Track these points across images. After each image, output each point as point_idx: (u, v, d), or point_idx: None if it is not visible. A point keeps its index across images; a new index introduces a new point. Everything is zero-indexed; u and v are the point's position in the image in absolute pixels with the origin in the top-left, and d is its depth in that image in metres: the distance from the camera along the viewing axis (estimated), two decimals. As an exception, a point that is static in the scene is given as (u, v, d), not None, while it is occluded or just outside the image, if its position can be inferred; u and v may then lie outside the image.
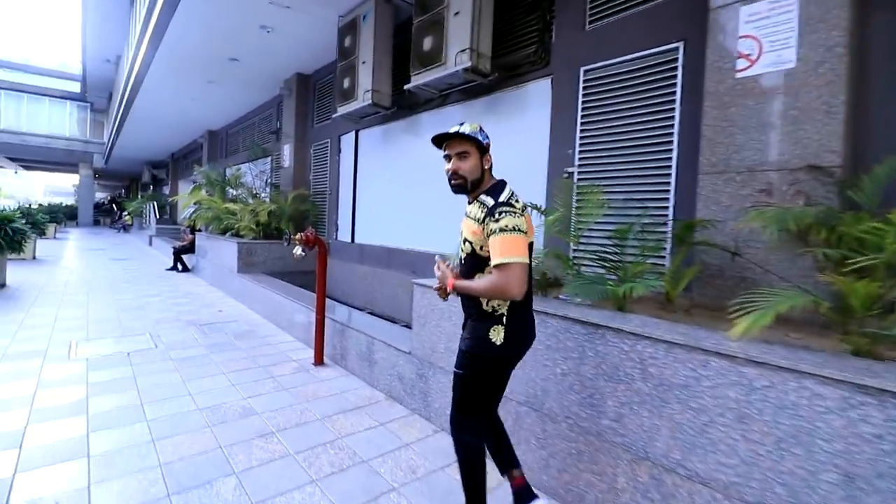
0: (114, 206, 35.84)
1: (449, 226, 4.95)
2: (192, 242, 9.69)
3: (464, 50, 3.88)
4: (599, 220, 2.79)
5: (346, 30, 5.55)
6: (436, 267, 1.79)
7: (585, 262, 3.02)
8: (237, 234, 7.61)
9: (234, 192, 8.85)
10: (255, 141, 10.65)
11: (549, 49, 3.92)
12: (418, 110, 5.44)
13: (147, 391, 3.16)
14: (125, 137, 17.62)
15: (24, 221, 7.21)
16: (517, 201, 1.68)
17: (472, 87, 4.49)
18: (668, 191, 3.14)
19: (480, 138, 1.72)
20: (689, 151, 2.99)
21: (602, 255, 2.59)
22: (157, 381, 3.36)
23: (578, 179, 3.63)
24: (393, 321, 4.67)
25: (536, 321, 1.89)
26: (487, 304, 1.70)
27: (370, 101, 5.16)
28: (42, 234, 10.80)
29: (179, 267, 9.53)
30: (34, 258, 10.43)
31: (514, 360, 1.77)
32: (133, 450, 2.40)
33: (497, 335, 1.68)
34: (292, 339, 4.58)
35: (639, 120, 3.29)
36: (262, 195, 8.78)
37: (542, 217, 2.92)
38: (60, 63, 26.22)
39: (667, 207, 3.14)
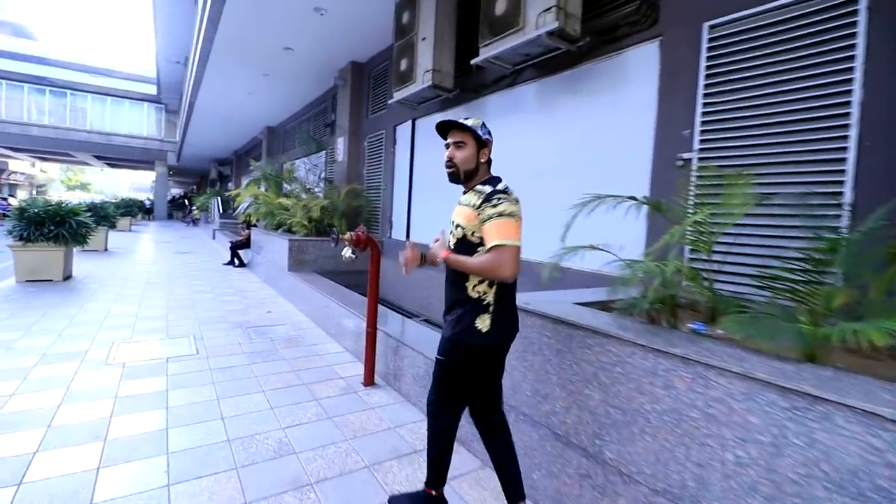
0: (185, 201, 38.14)
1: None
2: (249, 238, 9.63)
3: (548, 9, 3.16)
4: (744, 223, 2.01)
5: (404, 4, 5.00)
6: (408, 244, 1.92)
7: (722, 279, 2.24)
8: (289, 230, 7.34)
9: (289, 187, 8.64)
10: (309, 134, 10.46)
11: (657, 4, 3.12)
12: (484, 92, 4.78)
13: (176, 411, 2.75)
14: (192, 135, 18.37)
15: (89, 215, 7.31)
16: (511, 193, 1.71)
17: (552, 59, 3.77)
18: (841, 181, 2.28)
19: (480, 132, 1.77)
20: (878, 126, 2.13)
21: (768, 274, 1.81)
22: (189, 397, 2.95)
23: (698, 167, 2.82)
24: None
25: (691, 373, 1.40)
26: (474, 290, 1.70)
27: (430, 83, 4.56)
28: (113, 226, 11.24)
29: (236, 262, 9.50)
30: (106, 250, 10.87)
31: (501, 349, 1.80)
32: (142, 500, 1.94)
33: (483, 323, 1.68)
34: (341, 350, 4.09)
35: (791, 88, 2.44)
36: (316, 190, 8.50)
37: (641, 215, 2.17)
38: (140, 68, 28.04)
39: (839, 205, 2.28)
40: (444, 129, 1.82)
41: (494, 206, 1.61)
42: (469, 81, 4.88)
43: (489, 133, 1.82)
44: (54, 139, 25.47)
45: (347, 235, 3.04)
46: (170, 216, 32.61)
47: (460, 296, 1.73)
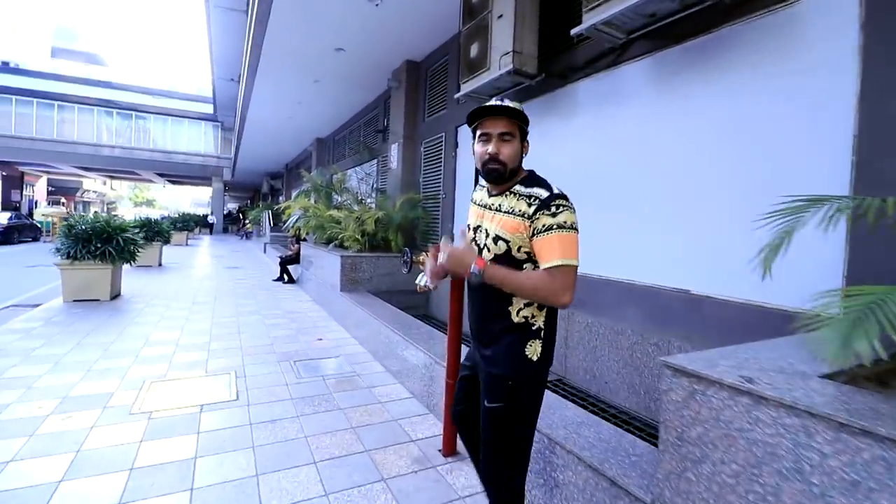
0: (240, 215, 39.50)
1: (616, 238, 3.31)
2: (298, 252, 9.20)
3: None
4: None
5: (475, -21, 4.25)
6: (436, 251, 1.61)
7: None
8: (341, 245, 6.73)
9: (339, 199, 8.11)
10: (360, 141, 9.97)
11: (864, -79, 2.16)
12: (574, 77, 3.92)
13: (202, 496, 2.04)
14: (245, 150, 18.63)
15: (137, 231, 7.05)
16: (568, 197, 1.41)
17: (678, 23, 2.87)
18: None
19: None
20: None
21: None
22: (221, 471, 2.24)
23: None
24: (552, 381, 3.18)
25: None
26: (519, 315, 1.43)
27: (510, 68, 3.76)
28: (167, 242, 11.22)
29: (285, 278, 9.07)
30: (160, 265, 10.83)
31: (546, 381, 1.52)
32: None
33: (533, 351, 1.43)
34: (406, 395, 3.31)
35: None
36: (368, 201, 7.90)
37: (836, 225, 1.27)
38: (197, 88, 29.32)
39: None
40: (480, 116, 1.47)
41: (554, 215, 1.35)
42: (555, 65, 4.04)
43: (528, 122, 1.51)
44: (121, 158, 26.98)
45: (422, 257, 2.25)
46: (225, 230, 33.72)
47: (501, 323, 1.45)
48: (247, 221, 28.27)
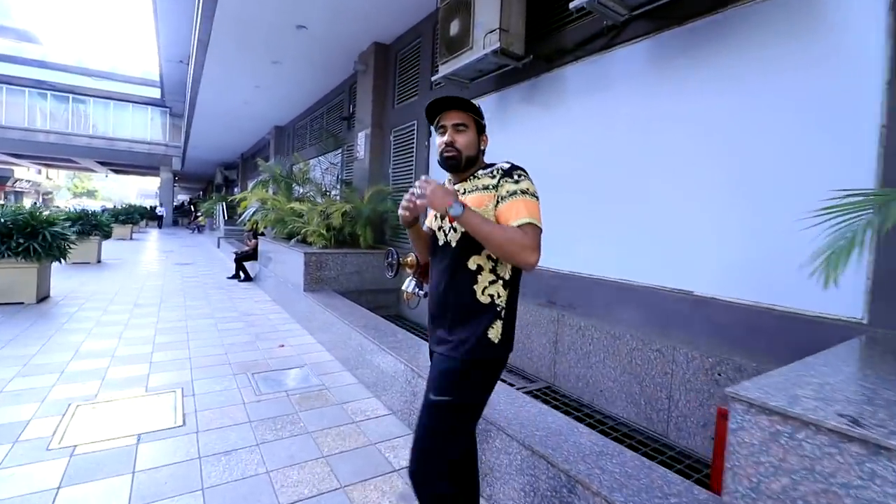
0: (192, 207, 37.38)
1: (608, 235, 3.07)
2: (256, 248, 8.55)
3: None
4: None
5: (455, -51, 3.87)
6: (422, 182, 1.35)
7: None
8: (304, 241, 6.23)
9: (301, 190, 7.55)
10: (324, 129, 9.39)
11: None
12: (562, 61, 3.63)
13: (134, 565, 1.61)
14: (195, 138, 17.42)
15: (68, 224, 6.24)
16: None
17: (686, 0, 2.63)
18: None
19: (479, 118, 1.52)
20: None
21: None
22: (160, 525, 1.81)
23: None
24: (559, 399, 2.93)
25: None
26: (484, 294, 1.40)
27: (497, 47, 3.43)
28: (107, 236, 10.21)
29: (241, 276, 8.41)
30: (99, 262, 9.84)
31: (503, 366, 1.47)
32: None
33: (496, 333, 1.40)
34: (384, 411, 2.94)
35: None
36: (333, 193, 7.39)
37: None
38: (143, 71, 27.23)
39: None
40: (437, 110, 1.50)
41: (517, 181, 1.39)
42: (543, 46, 3.74)
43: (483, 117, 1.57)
44: (56, 144, 24.64)
45: (410, 258, 1.89)
46: (175, 223, 31.75)
47: (465, 302, 1.40)
48: (199, 214, 26.68)
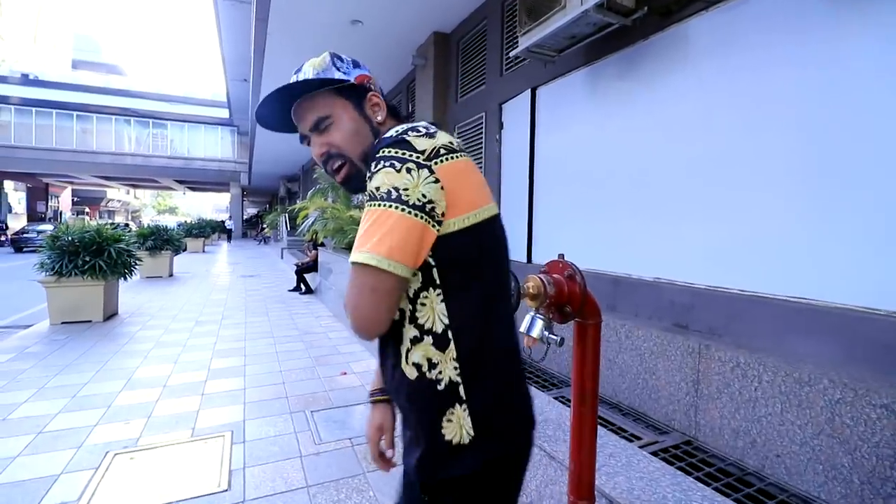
0: (258, 219, 39.26)
1: (771, 240, 2.21)
2: (316, 259, 8.28)
3: None
4: None
5: None
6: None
7: None
8: (364, 251, 5.74)
9: (360, 197, 7.13)
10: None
11: None
12: (688, 12, 2.81)
13: None
14: (260, 152, 17.96)
15: (134, 241, 6.19)
16: (428, 135, 0.77)
17: None
18: None
19: (343, 73, 0.90)
20: None
21: None
22: None
23: None
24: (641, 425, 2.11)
25: None
26: (409, 362, 0.78)
27: (599, 1, 2.67)
28: (177, 250, 10.46)
29: (302, 288, 8.16)
30: (170, 276, 10.08)
31: (502, 473, 0.79)
32: None
33: (456, 428, 0.75)
34: (472, 474, 2.26)
35: None
36: (393, 199, 6.88)
37: None
38: (213, 93, 28.90)
39: None
40: (275, 117, 0.94)
41: (370, 177, 0.75)
42: (656, -2, 2.93)
43: (356, 64, 0.93)
44: (141, 166, 26.77)
45: (535, 284, 1.20)
46: (244, 235, 33.39)
47: (397, 381, 0.80)
48: (264, 226, 27.78)
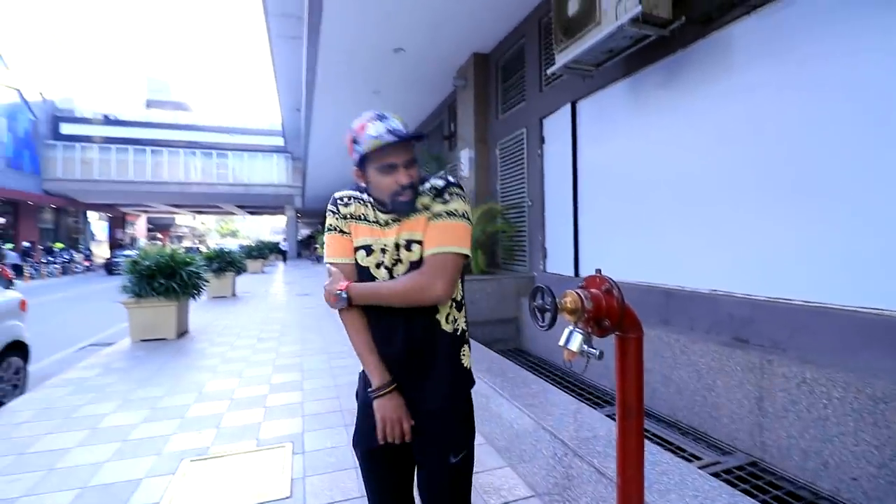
0: (312, 239, 41.01)
1: (797, 245, 2.06)
2: (365, 276, 8.56)
3: None
4: None
5: (571, -88, 3.24)
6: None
7: None
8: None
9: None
10: (425, 152, 9.26)
11: None
12: (728, 17, 2.75)
13: None
14: (312, 176, 18.87)
15: (202, 264, 6.71)
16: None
17: None
18: None
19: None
20: None
21: None
22: None
23: None
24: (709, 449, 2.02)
25: None
26: (448, 319, 1.26)
27: (637, 12, 2.68)
28: (239, 272, 11.16)
29: (353, 305, 8.45)
30: (233, 295, 10.75)
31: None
32: None
33: (467, 358, 1.32)
34: (524, 492, 2.26)
35: None
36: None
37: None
38: (269, 123, 30.82)
39: None
40: (384, 148, 1.20)
41: (445, 202, 1.23)
42: (697, 6, 2.90)
43: None
44: (206, 193, 28.89)
45: (573, 298, 1.23)
46: (298, 255, 34.96)
47: (435, 338, 1.24)
48: (317, 245, 28.96)
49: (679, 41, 3.05)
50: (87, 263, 24.62)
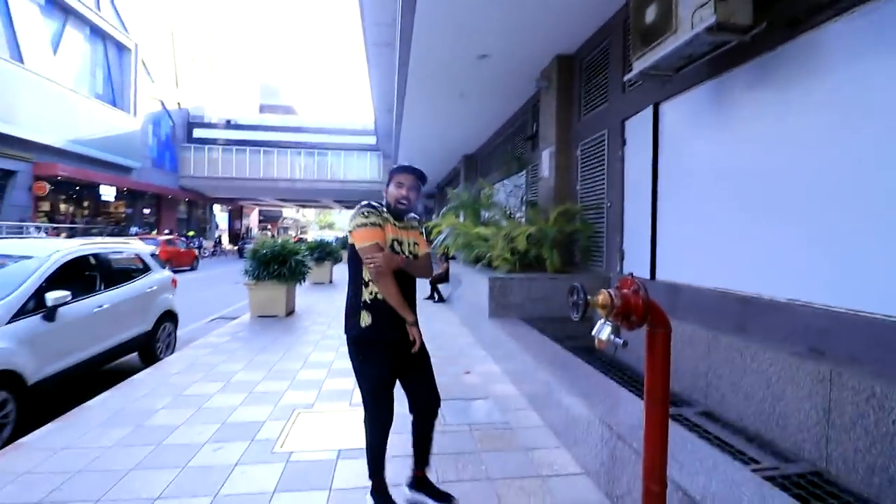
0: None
1: (888, 258, 1.82)
2: (447, 271, 9.07)
3: None
4: None
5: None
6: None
7: None
8: (489, 265, 6.23)
9: (487, 215, 7.68)
10: (508, 152, 9.50)
11: None
12: (816, 19, 2.68)
13: None
14: (401, 173, 19.90)
15: (307, 253, 7.66)
16: None
17: None
18: None
19: None
20: None
21: None
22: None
23: None
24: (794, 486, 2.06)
25: None
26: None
27: (712, 22, 2.72)
28: (337, 261, 12.32)
29: (435, 297, 9.01)
30: (331, 282, 11.93)
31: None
32: None
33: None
34: (575, 469, 2.51)
35: None
36: (518, 215, 7.28)
37: None
38: (363, 124, 32.92)
39: None
40: (401, 172, 2.16)
41: (420, 223, 2.32)
42: (780, 10, 2.85)
43: None
44: (308, 189, 31.76)
45: (604, 297, 1.49)
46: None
47: (414, 295, 2.20)
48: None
49: (764, 44, 2.99)
50: (213, 249, 28.48)
